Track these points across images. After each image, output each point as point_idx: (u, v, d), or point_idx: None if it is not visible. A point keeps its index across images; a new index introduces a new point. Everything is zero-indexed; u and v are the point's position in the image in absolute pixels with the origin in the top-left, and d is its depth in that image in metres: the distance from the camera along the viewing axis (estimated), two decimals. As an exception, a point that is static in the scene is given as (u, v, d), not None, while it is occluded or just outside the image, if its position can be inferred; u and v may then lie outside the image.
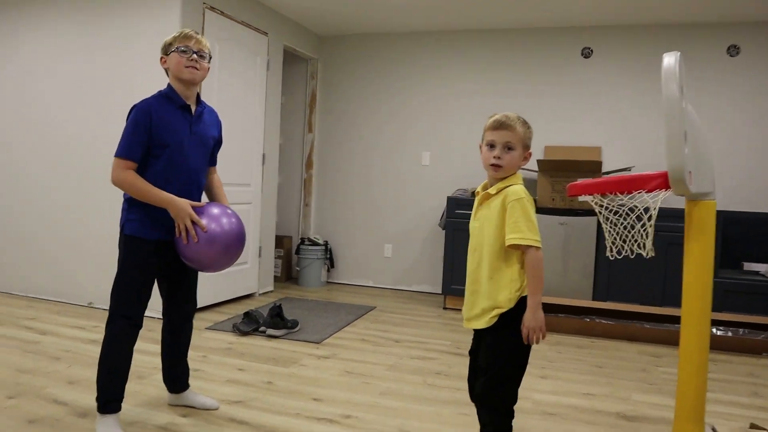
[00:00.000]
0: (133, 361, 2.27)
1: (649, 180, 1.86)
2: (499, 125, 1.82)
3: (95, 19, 4.20)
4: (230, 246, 2.18)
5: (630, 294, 4.36)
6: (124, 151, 2.13)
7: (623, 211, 2.00)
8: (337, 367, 3.18)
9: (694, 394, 1.82)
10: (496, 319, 1.79)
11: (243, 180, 4.70)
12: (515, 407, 1.88)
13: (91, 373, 2.86)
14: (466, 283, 1.91)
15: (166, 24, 3.91)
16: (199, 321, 3.84)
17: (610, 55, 4.99)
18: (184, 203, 2.13)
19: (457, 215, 4.72)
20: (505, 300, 1.78)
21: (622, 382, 3.13)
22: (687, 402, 1.83)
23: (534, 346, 1.83)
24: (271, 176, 5.13)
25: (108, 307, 2.22)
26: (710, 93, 4.71)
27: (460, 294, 4.74)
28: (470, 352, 1.97)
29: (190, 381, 2.57)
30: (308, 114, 5.87)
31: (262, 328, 3.74)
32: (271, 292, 5.20)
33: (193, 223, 2.12)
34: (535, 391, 2.90)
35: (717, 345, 3.78)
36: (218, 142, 2.47)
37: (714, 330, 3.86)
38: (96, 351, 3.22)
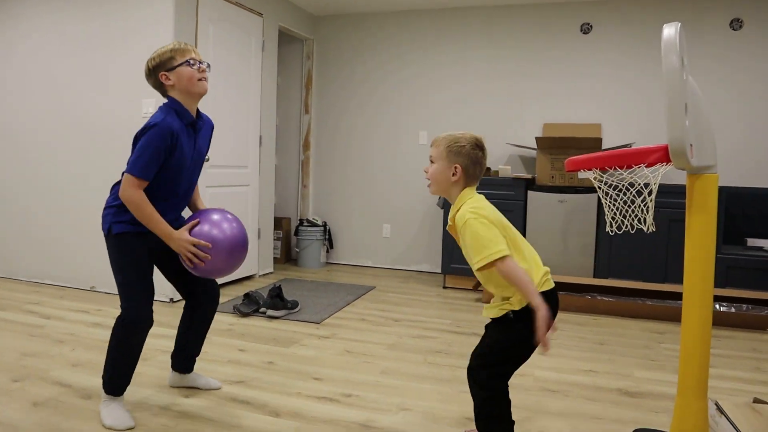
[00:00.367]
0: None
1: (650, 153, 1.83)
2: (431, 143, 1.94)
3: None
4: (234, 249, 2.18)
5: (632, 271, 4.35)
6: (140, 172, 2.05)
7: (623, 185, 1.98)
8: (338, 346, 3.18)
9: (696, 369, 1.81)
10: (504, 312, 1.82)
11: (240, 162, 4.67)
12: (516, 385, 1.88)
13: (95, 356, 2.88)
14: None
15: (159, 7, 3.89)
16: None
17: (610, 30, 4.92)
18: (181, 234, 2.09)
19: (456, 194, 4.69)
20: (517, 301, 1.80)
21: (624, 358, 3.13)
22: (690, 378, 1.82)
23: None
24: (269, 158, 5.10)
25: (108, 290, 2.20)
26: (709, 68, 4.66)
27: (460, 273, 4.82)
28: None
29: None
30: (304, 95, 5.82)
31: (262, 309, 3.74)
32: (271, 273, 5.20)
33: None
34: (537, 368, 2.90)
35: (720, 321, 3.79)
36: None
37: (717, 306, 3.86)
38: (99, 333, 3.24)
